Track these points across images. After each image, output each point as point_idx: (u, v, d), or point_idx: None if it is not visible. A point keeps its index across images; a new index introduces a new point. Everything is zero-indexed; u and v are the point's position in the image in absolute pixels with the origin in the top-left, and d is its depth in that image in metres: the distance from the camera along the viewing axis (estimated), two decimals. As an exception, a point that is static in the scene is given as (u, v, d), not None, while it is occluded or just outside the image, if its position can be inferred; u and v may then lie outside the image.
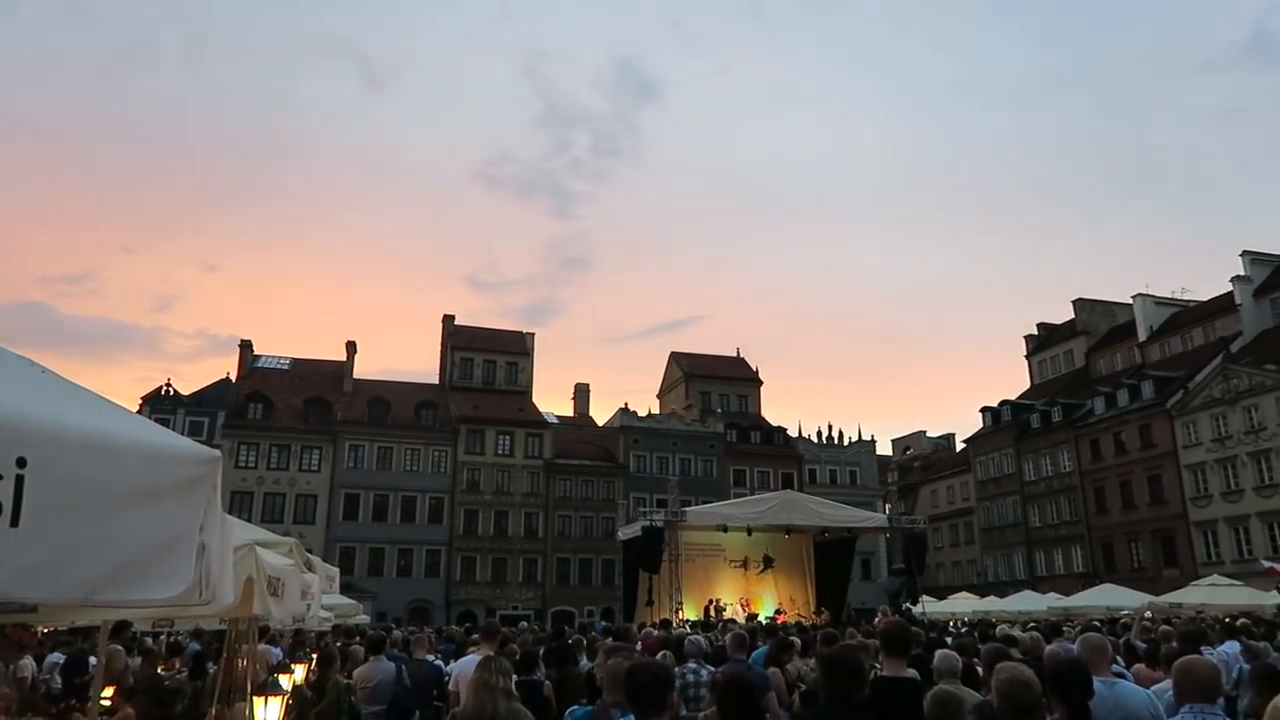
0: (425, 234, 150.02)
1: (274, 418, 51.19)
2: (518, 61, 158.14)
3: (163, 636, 14.44)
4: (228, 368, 68.90)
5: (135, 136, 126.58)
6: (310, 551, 7.69)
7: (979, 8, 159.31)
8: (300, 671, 8.68)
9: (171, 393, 50.71)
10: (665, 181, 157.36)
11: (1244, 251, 49.08)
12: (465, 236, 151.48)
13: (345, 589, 28.43)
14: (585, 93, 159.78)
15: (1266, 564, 29.05)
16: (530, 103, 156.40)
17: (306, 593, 5.94)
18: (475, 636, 11.47)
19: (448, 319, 62.31)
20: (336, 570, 10.67)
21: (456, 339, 61.00)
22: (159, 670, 10.40)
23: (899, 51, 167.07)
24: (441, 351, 62.07)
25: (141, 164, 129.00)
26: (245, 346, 56.53)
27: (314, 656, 10.45)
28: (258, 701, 5.65)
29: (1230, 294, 48.78)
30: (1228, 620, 15.36)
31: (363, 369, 59.08)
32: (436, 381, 60.93)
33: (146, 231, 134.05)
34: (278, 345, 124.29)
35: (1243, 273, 48.38)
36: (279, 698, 5.79)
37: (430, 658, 10.49)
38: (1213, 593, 26.86)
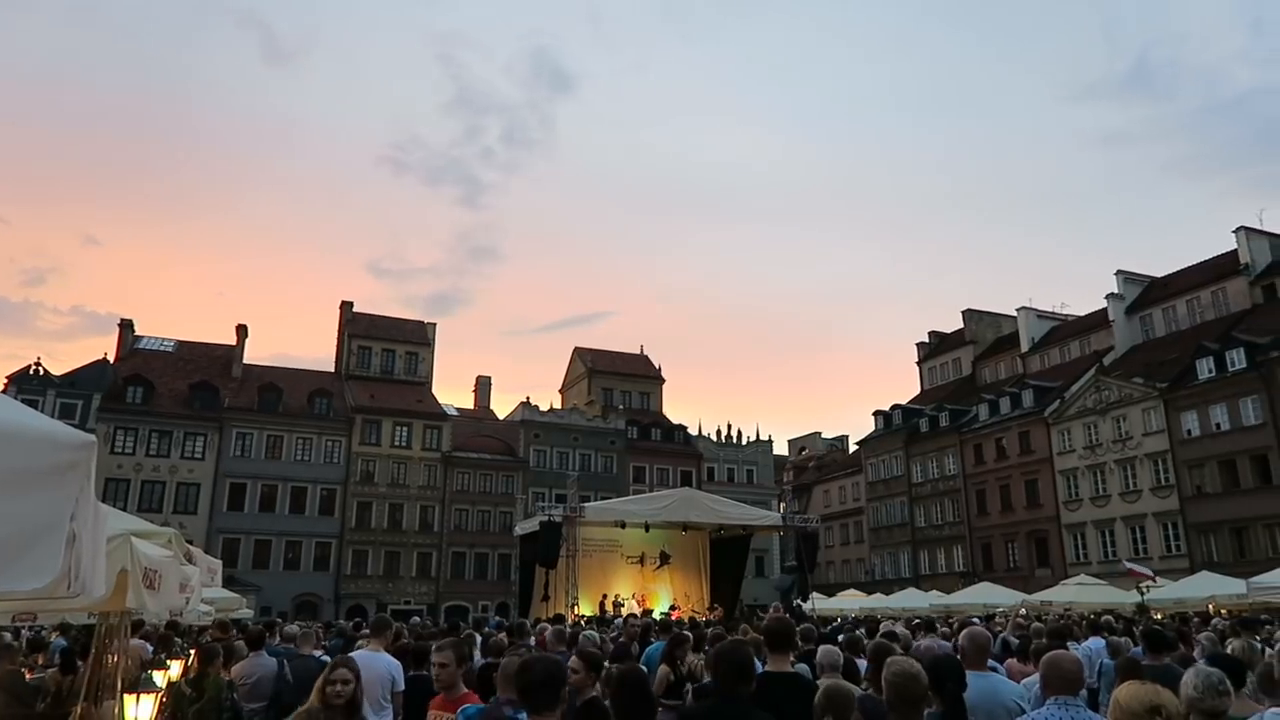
0: (326, 217, 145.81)
1: (155, 402, 48.81)
2: (430, 45, 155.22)
3: (24, 631, 13.60)
4: (105, 348, 65.39)
5: (5, 94, 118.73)
6: (191, 542, 7.36)
7: (887, 26, 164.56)
8: (177, 667, 8.32)
9: (42, 372, 47.70)
10: (577, 176, 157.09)
11: (1118, 271, 52.13)
12: (369, 221, 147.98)
13: (228, 582, 27.35)
14: (499, 81, 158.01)
15: (1128, 565, 30.99)
16: (442, 88, 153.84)
17: (185, 585, 5.69)
18: (365, 631, 11.22)
19: (346, 305, 60.65)
20: (219, 562, 10.21)
21: (355, 326, 59.43)
22: (20, 668, 9.78)
23: (811, 63, 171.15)
24: (338, 339, 60.38)
25: (13, 124, 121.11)
26: (125, 326, 53.67)
27: (192, 652, 10.03)
28: (129, 699, 5.38)
29: (1105, 310, 51.71)
30: (1093, 617, 16.30)
31: (254, 354, 57.04)
32: (332, 369, 59.25)
33: (18, 198, 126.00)
34: (162, 326, 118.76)
35: (1116, 291, 51.37)
36: (152, 695, 5.53)
37: (317, 653, 10.21)
38: (1080, 591, 28.54)
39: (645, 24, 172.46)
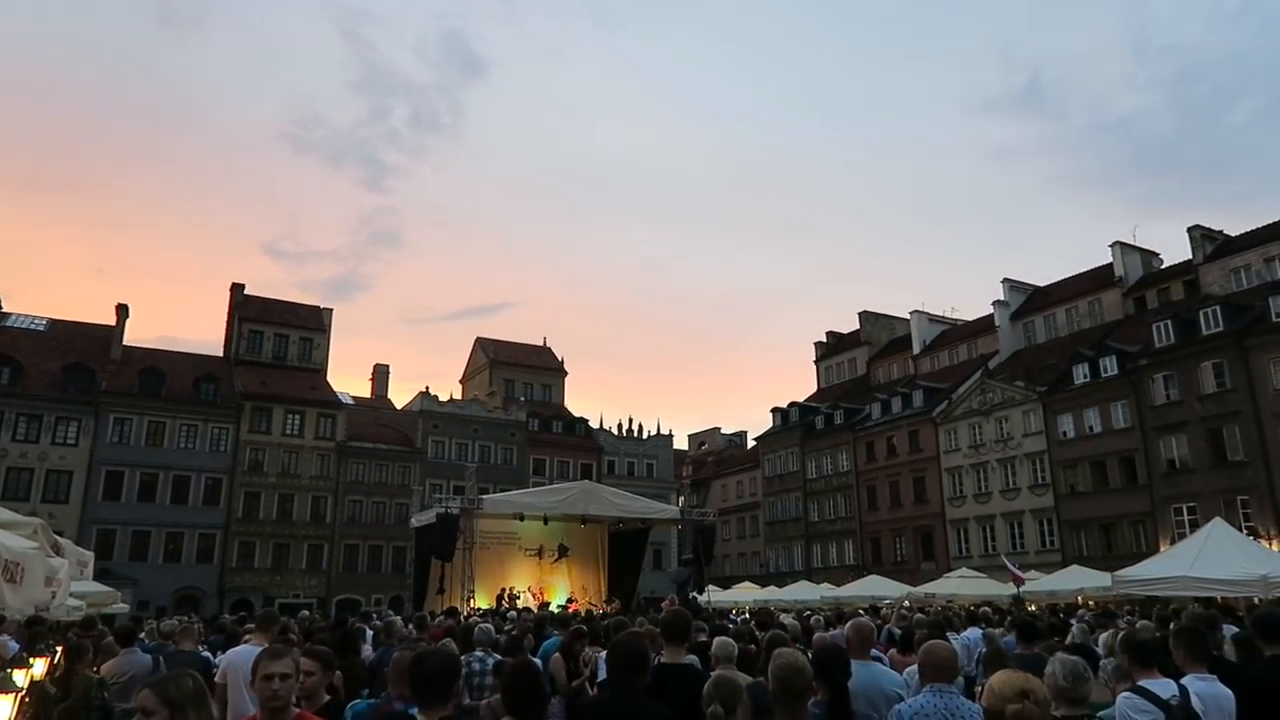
0: (219, 193, 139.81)
1: (24, 384, 45.85)
2: (336, 20, 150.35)
3: None
4: (-30, 325, 60.67)
5: None
6: (61, 534, 6.98)
7: (797, 30, 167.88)
8: (42, 665, 7.85)
9: (-105, 349, 44.29)
10: (485, 163, 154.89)
11: (1005, 279, 54.56)
12: (265, 200, 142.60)
13: (102, 575, 25.97)
14: (408, 61, 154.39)
15: (1005, 560, 32.59)
16: (348, 65, 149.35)
17: (52, 579, 5.38)
18: (250, 626, 10.85)
19: (237, 287, 58.24)
20: (90, 554, 9.70)
21: (246, 309, 57.12)
22: None
23: (725, 62, 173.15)
24: (228, 322, 57.92)
25: None
26: (-8, 302, 50.31)
27: (59, 649, 9.50)
28: (-15, 699, 5.04)
29: (991, 316, 54.10)
30: (972, 609, 17.04)
31: (135, 335, 54.36)
32: (221, 354, 56.86)
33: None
34: (33, 304, 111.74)
35: (1002, 298, 53.78)
36: (11, 695, 5.20)
37: (199, 649, 9.82)
38: (962, 584, 29.86)
39: (561, 12, 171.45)
